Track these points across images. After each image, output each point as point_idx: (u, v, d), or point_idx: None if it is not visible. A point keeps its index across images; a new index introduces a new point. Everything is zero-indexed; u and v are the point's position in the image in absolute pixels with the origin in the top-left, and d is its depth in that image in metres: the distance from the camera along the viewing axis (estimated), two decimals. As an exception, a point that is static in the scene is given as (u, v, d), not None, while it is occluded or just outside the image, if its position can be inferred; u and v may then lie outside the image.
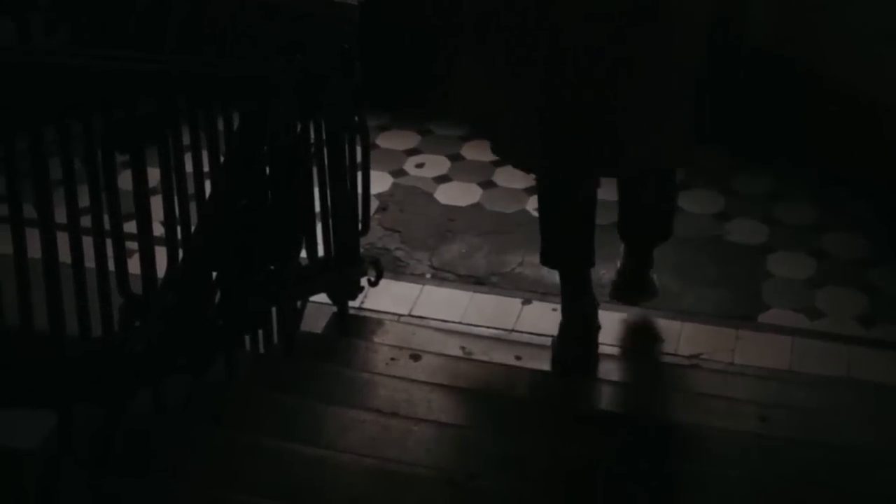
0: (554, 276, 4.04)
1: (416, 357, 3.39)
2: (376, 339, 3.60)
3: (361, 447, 2.73)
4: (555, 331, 3.68)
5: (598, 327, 3.63)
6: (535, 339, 3.77)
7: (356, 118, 3.67)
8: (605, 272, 4.01)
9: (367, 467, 2.62)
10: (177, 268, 2.97)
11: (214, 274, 3.10)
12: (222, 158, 3.15)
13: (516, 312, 3.91)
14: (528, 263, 4.14)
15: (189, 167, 2.96)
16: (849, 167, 4.50)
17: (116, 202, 2.69)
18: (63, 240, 2.60)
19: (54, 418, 2.55)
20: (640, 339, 3.81)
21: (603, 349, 3.73)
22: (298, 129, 3.43)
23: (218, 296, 3.11)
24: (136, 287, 2.80)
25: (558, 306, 3.88)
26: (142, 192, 2.78)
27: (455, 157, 4.68)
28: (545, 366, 3.60)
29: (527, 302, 3.96)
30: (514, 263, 4.16)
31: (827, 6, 4.62)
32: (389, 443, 2.76)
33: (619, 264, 3.90)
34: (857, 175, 4.47)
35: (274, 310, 3.31)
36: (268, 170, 3.31)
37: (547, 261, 3.63)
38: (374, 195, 4.13)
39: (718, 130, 4.60)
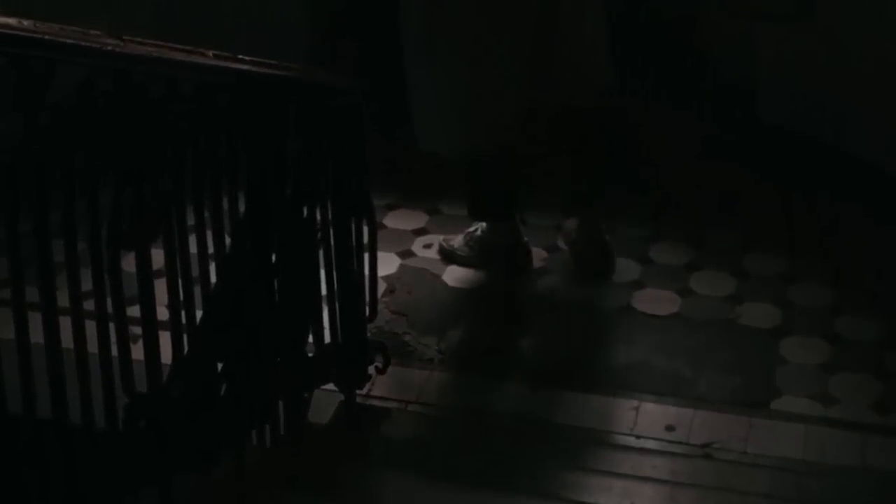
0: (565, 361, 4.03)
1: (423, 449, 3.34)
2: (383, 430, 3.54)
3: (369, 551, 2.67)
4: (571, 419, 3.73)
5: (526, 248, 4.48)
6: (546, 426, 3.72)
7: (363, 200, 3.64)
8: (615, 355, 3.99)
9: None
10: (181, 360, 2.93)
11: (220, 365, 3.07)
12: (227, 239, 3.12)
13: (526, 398, 3.85)
14: (537, 346, 4.09)
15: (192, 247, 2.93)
16: (865, 246, 4.46)
17: (120, 287, 2.66)
18: (65, 324, 2.57)
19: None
20: (650, 428, 3.75)
21: (612, 438, 3.69)
22: (305, 212, 3.41)
23: (224, 388, 3.07)
24: (140, 373, 2.75)
25: (571, 392, 3.86)
26: (146, 277, 2.75)
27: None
28: (556, 455, 3.55)
29: (535, 387, 3.90)
30: (522, 347, 4.10)
31: (844, 81, 4.61)
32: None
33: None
34: (873, 254, 4.43)
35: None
36: (274, 256, 3.29)
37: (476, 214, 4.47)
38: (382, 277, 4.08)
39: (728, 208, 4.67)
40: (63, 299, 2.56)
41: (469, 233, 4.50)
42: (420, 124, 4.25)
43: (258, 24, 4.92)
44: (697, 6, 4.93)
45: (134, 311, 2.73)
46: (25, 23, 2.21)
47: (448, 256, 4.49)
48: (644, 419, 3.78)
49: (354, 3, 5.11)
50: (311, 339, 3.44)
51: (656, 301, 4.27)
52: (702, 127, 4.96)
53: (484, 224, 4.47)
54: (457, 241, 4.51)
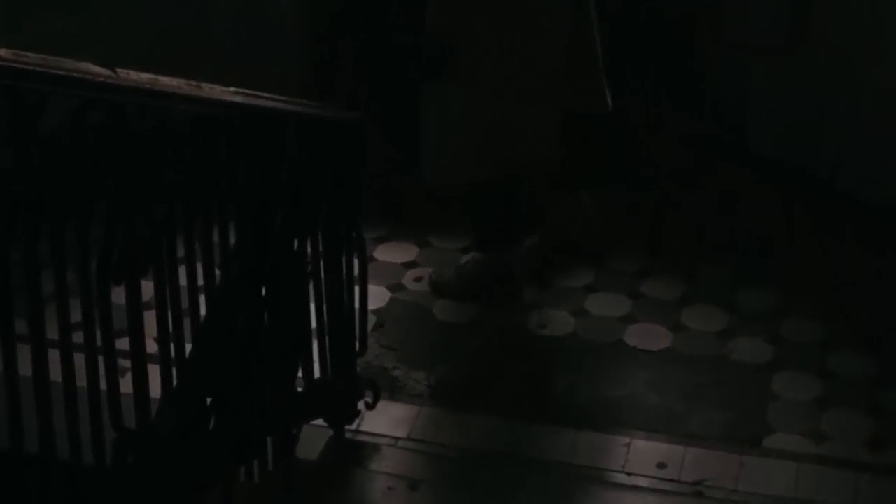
0: (556, 396, 3.99)
1: (413, 486, 3.30)
2: (373, 467, 3.50)
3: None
4: (562, 456, 3.69)
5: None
6: (537, 462, 3.69)
7: (354, 234, 3.63)
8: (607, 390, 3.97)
9: None
10: (171, 394, 2.90)
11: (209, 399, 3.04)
12: (216, 271, 3.10)
13: (517, 435, 3.82)
14: (529, 382, 4.06)
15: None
16: (858, 280, 4.44)
17: (109, 320, 2.63)
18: (54, 356, 2.55)
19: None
20: (642, 465, 3.72)
21: (603, 475, 3.66)
22: (296, 244, 3.38)
23: (213, 422, 3.03)
24: (129, 406, 2.72)
25: (562, 428, 3.82)
26: (136, 310, 2.72)
27: (454, 271, 4.60)
28: (547, 492, 3.51)
29: (527, 423, 3.87)
30: (513, 383, 4.07)
31: (833, 113, 4.60)
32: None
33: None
34: (867, 289, 4.40)
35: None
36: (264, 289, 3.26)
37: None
38: (371, 311, 4.04)
39: (720, 242, 4.64)
40: (51, 331, 2.54)
41: (461, 265, 4.47)
42: (440, 156, 4.20)
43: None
44: (693, 33, 4.91)
45: (122, 343, 2.71)
46: (18, 54, 2.19)
47: (439, 289, 4.46)
48: (635, 456, 3.74)
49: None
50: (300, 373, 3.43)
51: (648, 336, 4.25)
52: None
53: (476, 255, 4.45)
54: (447, 273, 4.48)
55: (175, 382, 2.91)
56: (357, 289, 3.62)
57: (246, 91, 3.10)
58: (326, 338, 3.54)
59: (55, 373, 2.58)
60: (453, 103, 4.11)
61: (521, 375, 4.10)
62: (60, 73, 2.34)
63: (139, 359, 2.73)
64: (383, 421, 3.80)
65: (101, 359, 2.65)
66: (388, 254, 4.67)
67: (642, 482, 3.65)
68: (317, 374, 3.53)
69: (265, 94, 3.20)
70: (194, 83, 2.89)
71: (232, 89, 3.06)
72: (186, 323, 2.98)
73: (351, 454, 3.57)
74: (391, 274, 4.55)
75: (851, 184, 4.59)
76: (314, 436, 3.55)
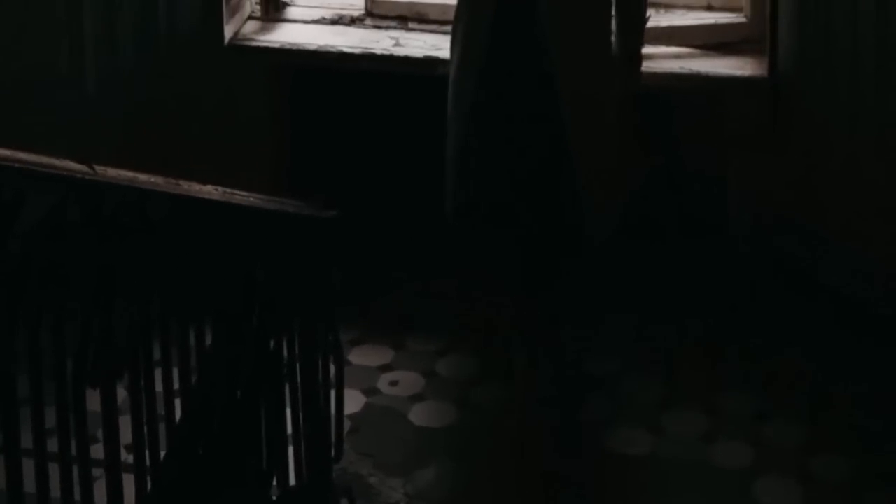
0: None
1: None
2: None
3: None
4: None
5: None
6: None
7: (331, 336, 3.57)
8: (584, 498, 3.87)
9: None
10: (145, 501, 2.82)
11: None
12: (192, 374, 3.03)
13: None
14: (504, 488, 3.97)
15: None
16: (845, 377, 4.37)
17: (85, 430, 2.56)
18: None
19: None
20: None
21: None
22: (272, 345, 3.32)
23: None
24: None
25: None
26: (111, 419, 2.65)
27: (429, 374, 4.50)
28: None
29: (507, 531, 3.79)
30: (488, 489, 3.98)
31: (817, 197, 4.58)
32: None
33: None
34: (853, 387, 4.34)
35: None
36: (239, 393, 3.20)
37: None
38: (346, 416, 3.96)
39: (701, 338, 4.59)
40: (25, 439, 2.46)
41: None
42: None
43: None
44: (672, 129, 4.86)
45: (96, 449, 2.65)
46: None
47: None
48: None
49: None
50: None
51: (627, 440, 4.17)
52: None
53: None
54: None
55: (149, 489, 2.84)
56: (333, 392, 3.56)
57: (224, 189, 3.05)
58: (302, 443, 3.46)
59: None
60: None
61: (496, 482, 4.01)
62: (40, 169, 2.27)
63: (114, 468, 2.65)
64: (359, 531, 3.72)
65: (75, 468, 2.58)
66: (363, 357, 4.57)
67: None
68: (292, 480, 3.44)
69: (242, 193, 3.16)
70: (173, 180, 2.84)
71: (210, 187, 3.01)
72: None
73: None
74: (366, 378, 4.46)
75: (833, 276, 4.56)
76: (289, 547, 3.44)
